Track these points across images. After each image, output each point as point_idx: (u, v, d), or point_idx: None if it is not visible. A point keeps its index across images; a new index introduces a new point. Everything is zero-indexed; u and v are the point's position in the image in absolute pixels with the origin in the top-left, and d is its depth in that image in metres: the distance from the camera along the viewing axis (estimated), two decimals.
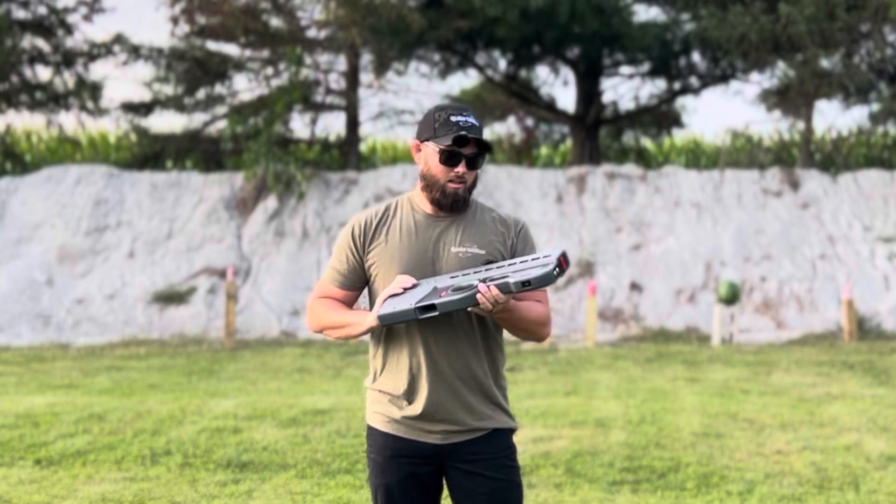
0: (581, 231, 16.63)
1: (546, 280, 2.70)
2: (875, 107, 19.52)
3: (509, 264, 2.79)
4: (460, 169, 2.85)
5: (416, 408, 2.88)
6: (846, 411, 8.19)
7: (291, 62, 17.92)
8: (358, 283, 2.96)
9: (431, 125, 2.88)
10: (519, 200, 17.01)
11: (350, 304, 2.98)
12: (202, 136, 19.56)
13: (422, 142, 2.92)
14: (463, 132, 2.83)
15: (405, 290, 2.78)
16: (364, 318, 2.84)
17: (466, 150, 2.86)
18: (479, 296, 2.71)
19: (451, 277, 2.81)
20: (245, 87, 23.51)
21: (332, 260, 3.01)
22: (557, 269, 2.71)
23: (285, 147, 18.17)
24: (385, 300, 2.80)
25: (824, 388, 9.50)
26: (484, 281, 2.73)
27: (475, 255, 2.88)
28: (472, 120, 2.87)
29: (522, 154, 22.49)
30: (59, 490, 5.72)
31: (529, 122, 23.05)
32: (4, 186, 17.31)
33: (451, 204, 2.88)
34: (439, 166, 2.87)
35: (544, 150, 23.41)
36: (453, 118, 2.86)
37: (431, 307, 2.74)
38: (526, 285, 2.70)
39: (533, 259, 2.78)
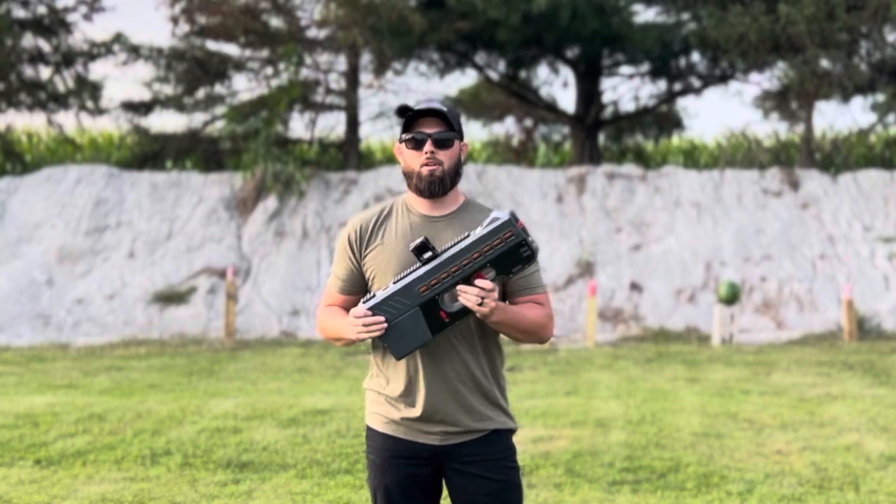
0: (581, 231, 16.63)
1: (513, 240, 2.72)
2: (879, 97, 19.47)
3: (457, 249, 2.76)
4: (428, 148, 2.85)
5: (415, 410, 2.88)
6: (846, 411, 8.19)
7: (290, 60, 17.92)
8: (358, 287, 2.97)
9: (401, 125, 2.93)
10: (519, 200, 17.01)
11: (352, 308, 2.97)
12: (202, 136, 19.57)
13: (398, 143, 2.94)
14: (410, 108, 2.86)
15: (388, 322, 2.76)
16: (348, 329, 2.83)
17: (430, 129, 2.86)
18: (462, 299, 2.72)
19: (396, 283, 2.78)
20: (245, 86, 23.53)
21: (333, 266, 3.03)
22: (512, 230, 2.73)
23: (284, 147, 18.17)
24: (384, 341, 2.80)
25: (824, 388, 9.49)
26: (454, 277, 2.74)
27: None
28: (434, 105, 2.88)
29: (521, 155, 22.49)
30: (59, 490, 5.72)
31: (528, 122, 23.06)
32: (4, 186, 17.31)
33: (429, 187, 2.86)
34: (410, 153, 2.88)
35: (543, 151, 23.41)
36: (414, 108, 2.88)
37: (442, 325, 2.78)
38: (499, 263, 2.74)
39: (483, 232, 2.75)
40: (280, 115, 17.92)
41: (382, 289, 2.81)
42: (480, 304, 2.71)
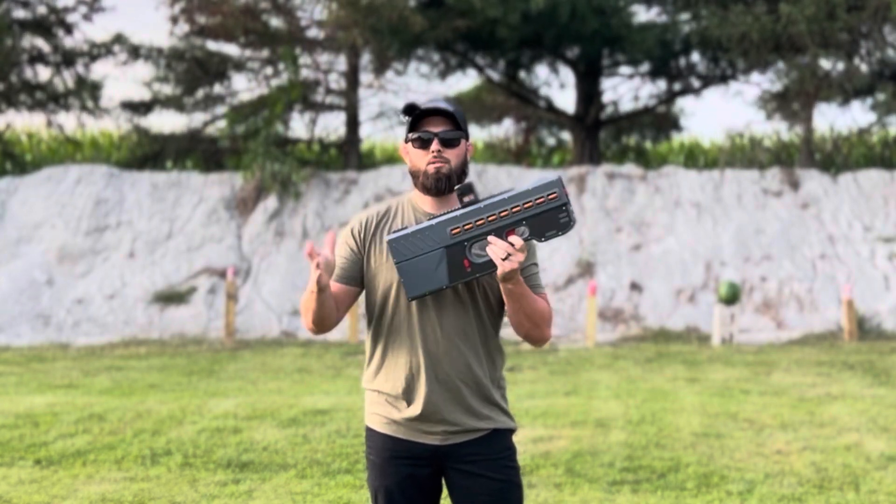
0: (581, 231, 16.63)
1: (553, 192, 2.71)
2: (879, 97, 19.46)
3: (500, 199, 2.74)
4: (434, 146, 2.85)
5: (415, 409, 2.87)
6: (846, 411, 8.19)
7: (287, 62, 17.93)
8: (354, 276, 2.93)
9: (407, 125, 2.93)
10: None
11: (343, 298, 2.91)
12: (202, 136, 19.57)
13: (404, 144, 2.94)
14: (417, 107, 2.86)
15: (412, 257, 2.75)
16: (311, 277, 2.75)
17: (437, 129, 2.86)
18: (489, 251, 2.70)
19: (431, 221, 2.76)
20: (245, 87, 23.53)
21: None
22: (558, 191, 2.72)
23: (284, 147, 18.18)
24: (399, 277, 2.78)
25: (824, 388, 9.49)
26: (486, 226, 2.72)
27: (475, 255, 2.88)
28: (440, 104, 2.88)
29: (521, 155, 22.49)
30: (59, 490, 5.72)
31: (524, 124, 23.07)
32: (4, 186, 17.31)
33: (436, 184, 2.85)
34: (417, 153, 2.88)
35: (540, 154, 23.42)
36: (420, 108, 2.88)
37: (463, 274, 2.75)
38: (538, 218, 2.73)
39: (529, 189, 2.74)
40: (279, 116, 17.92)
41: (415, 224, 2.80)
42: (505, 259, 2.68)
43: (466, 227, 2.72)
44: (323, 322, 2.83)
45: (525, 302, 2.80)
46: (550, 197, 2.72)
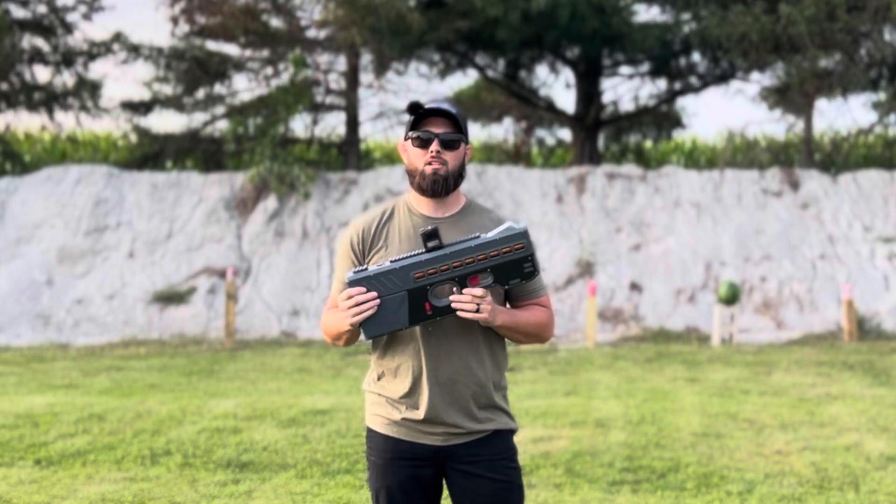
0: (581, 231, 16.63)
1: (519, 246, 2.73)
2: (881, 95, 19.44)
3: (464, 247, 2.75)
4: (434, 147, 2.84)
5: (419, 412, 2.87)
6: (846, 411, 8.19)
7: (296, 66, 17.91)
8: None
9: (408, 123, 2.92)
10: (519, 200, 17.01)
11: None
12: (202, 136, 19.58)
13: (404, 141, 2.94)
14: (421, 106, 2.86)
15: (379, 298, 2.74)
16: (342, 319, 2.80)
17: (438, 129, 2.86)
18: (456, 307, 2.73)
19: (393, 262, 2.75)
20: (245, 87, 23.52)
21: (336, 271, 3.01)
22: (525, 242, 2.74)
23: (285, 147, 18.18)
24: (366, 320, 2.76)
25: (824, 388, 9.49)
26: (453, 280, 2.73)
27: None
28: (444, 106, 2.88)
29: (521, 155, 22.50)
30: (59, 490, 5.72)
31: (524, 124, 23.07)
32: (4, 186, 17.30)
33: (432, 186, 2.85)
34: (416, 151, 2.88)
35: (539, 155, 23.43)
36: (425, 106, 2.88)
37: (423, 317, 2.76)
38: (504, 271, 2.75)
39: (496, 237, 2.75)
40: (286, 117, 17.94)
41: (377, 264, 2.79)
42: (477, 311, 2.72)
43: (430, 272, 2.74)
44: (352, 342, 2.92)
45: (519, 326, 2.88)
46: (517, 247, 2.75)
